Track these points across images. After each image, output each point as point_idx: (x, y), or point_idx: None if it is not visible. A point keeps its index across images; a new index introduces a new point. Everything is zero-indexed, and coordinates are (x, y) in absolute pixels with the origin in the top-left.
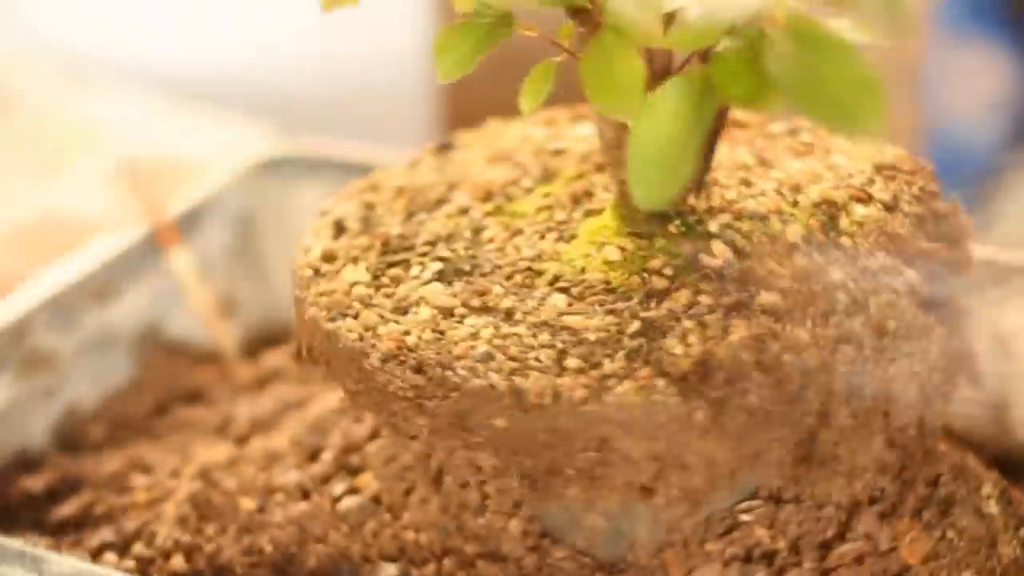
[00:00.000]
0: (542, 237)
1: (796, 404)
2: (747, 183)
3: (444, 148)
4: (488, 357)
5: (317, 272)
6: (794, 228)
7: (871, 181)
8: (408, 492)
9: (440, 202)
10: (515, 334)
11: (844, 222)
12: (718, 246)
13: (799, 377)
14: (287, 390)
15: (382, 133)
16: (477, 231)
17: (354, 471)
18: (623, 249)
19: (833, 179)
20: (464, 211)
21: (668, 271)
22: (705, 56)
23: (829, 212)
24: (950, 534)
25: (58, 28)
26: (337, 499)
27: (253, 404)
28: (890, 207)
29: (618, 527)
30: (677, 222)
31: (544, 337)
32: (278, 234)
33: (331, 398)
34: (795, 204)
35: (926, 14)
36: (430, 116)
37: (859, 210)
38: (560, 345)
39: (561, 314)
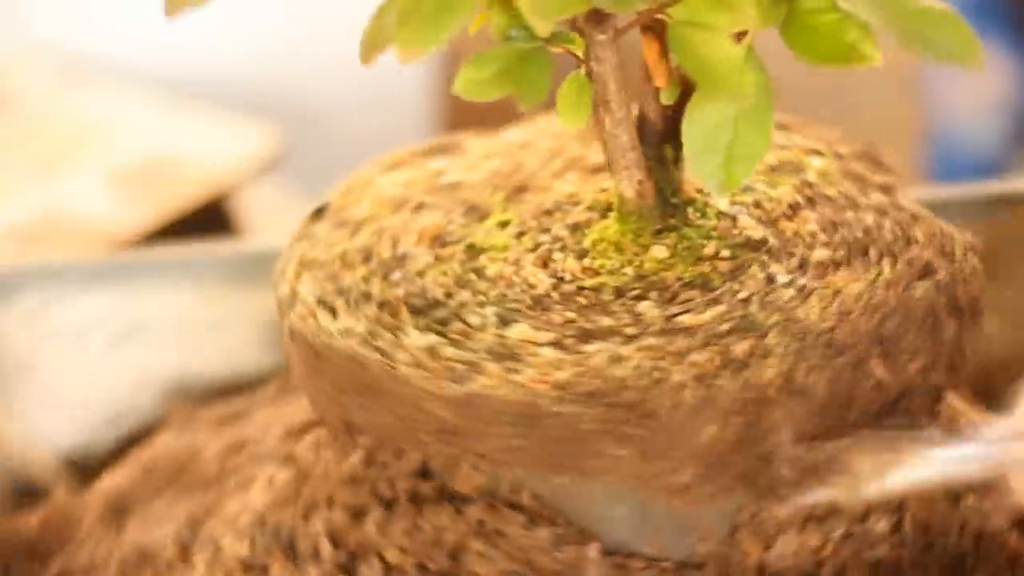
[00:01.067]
0: (548, 261)
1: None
2: None
3: (320, 212)
4: (662, 373)
5: (380, 351)
6: (784, 190)
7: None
8: (454, 553)
9: (401, 258)
10: (653, 346)
11: (812, 175)
12: (746, 220)
13: (921, 313)
14: (172, 505)
15: (382, 134)
16: (479, 272)
17: (366, 551)
18: (668, 246)
19: None
20: (440, 259)
21: (725, 253)
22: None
23: (794, 170)
24: None
25: (58, 28)
26: None
27: (153, 527)
28: (837, 155)
29: (681, 523)
30: (689, 209)
31: (684, 342)
32: None
33: (246, 498)
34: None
35: None
36: (430, 117)
37: (815, 162)
38: (714, 343)
39: (670, 318)
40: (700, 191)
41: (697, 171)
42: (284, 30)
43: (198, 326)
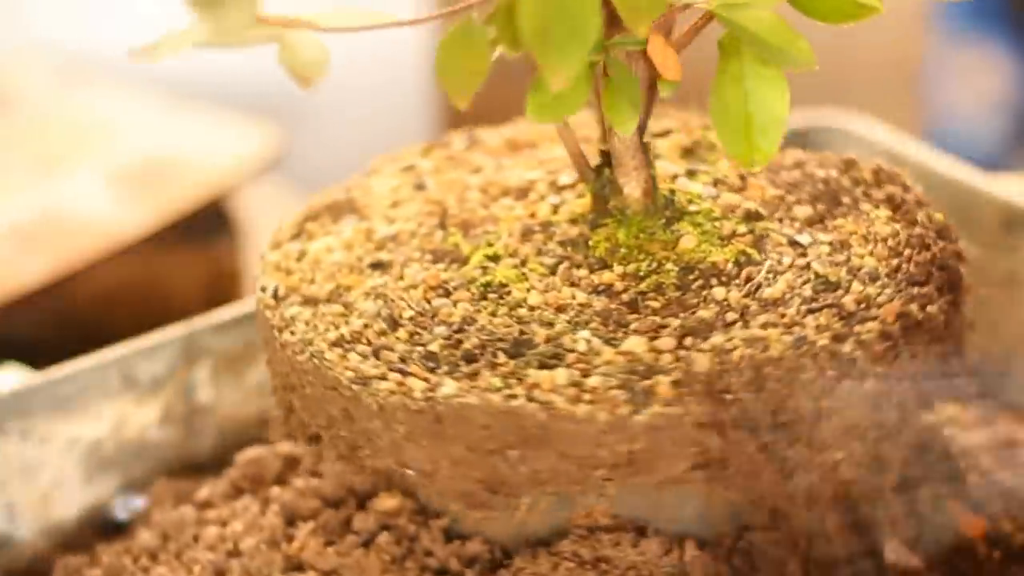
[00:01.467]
0: (574, 280)
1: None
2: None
3: (276, 296)
4: (803, 341)
5: (532, 399)
6: (722, 165)
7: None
8: None
9: (427, 313)
10: (769, 322)
11: (712, 149)
12: (728, 196)
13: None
14: None
15: (382, 134)
16: (524, 305)
17: None
18: (689, 234)
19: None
20: (472, 300)
21: (741, 229)
22: None
23: (705, 147)
24: None
25: (58, 28)
26: None
27: None
28: (692, 129)
29: (734, 506)
30: (676, 196)
31: (790, 311)
32: None
33: None
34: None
35: (926, 14)
36: (430, 117)
37: (711, 136)
38: (816, 305)
39: (751, 295)
40: (662, 180)
41: (729, 149)
42: None
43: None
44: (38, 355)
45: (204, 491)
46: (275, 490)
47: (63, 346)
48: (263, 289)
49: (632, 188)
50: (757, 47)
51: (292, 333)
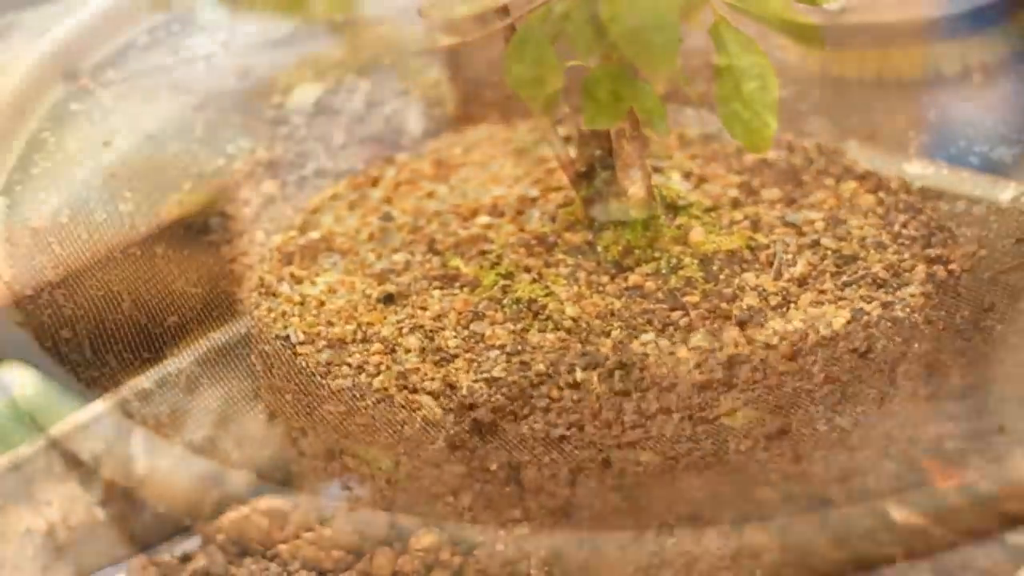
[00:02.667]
0: (598, 286)
1: None
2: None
3: (302, 342)
4: (860, 312)
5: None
6: (678, 159)
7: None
8: None
9: (473, 341)
10: (817, 299)
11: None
12: (707, 187)
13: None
14: None
15: (383, 132)
16: (567, 317)
17: None
18: (693, 226)
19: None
20: (510, 320)
21: (737, 216)
22: None
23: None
24: None
25: (59, 27)
26: None
27: None
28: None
29: None
30: (664, 194)
31: (827, 286)
32: None
33: None
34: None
35: (925, 15)
36: (429, 117)
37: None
38: (849, 277)
39: (780, 278)
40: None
41: (736, 137)
42: (285, 28)
43: None
44: (38, 355)
45: (200, 560)
46: (282, 548)
47: (63, 346)
48: (279, 337)
49: (637, 189)
50: (774, 25)
51: (340, 378)
